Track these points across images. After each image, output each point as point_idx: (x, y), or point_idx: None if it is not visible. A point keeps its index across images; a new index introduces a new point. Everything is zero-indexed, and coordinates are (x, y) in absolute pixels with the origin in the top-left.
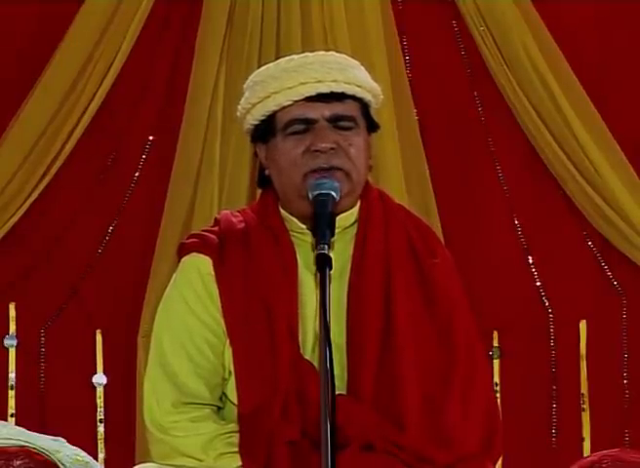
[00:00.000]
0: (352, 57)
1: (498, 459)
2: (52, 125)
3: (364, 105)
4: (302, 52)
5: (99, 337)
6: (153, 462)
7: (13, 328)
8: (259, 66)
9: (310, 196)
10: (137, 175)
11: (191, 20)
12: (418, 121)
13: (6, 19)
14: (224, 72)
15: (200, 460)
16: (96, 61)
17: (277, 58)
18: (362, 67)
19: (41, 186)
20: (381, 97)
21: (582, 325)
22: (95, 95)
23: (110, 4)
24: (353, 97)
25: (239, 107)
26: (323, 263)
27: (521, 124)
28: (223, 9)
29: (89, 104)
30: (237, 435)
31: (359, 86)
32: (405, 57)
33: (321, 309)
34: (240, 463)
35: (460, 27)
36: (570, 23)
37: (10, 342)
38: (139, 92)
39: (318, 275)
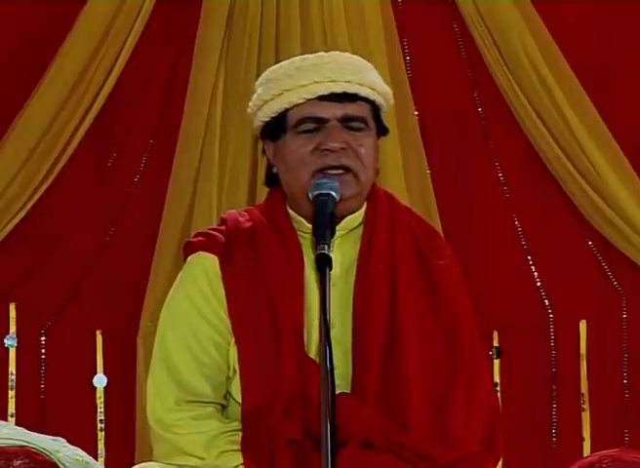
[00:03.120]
0: None
1: (499, 459)
2: (54, 126)
3: (375, 108)
4: (302, 53)
5: (99, 338)
6: (154, 461)
7: (13, 328)
8: (258, 67)
9: (310, 196)
10: (137, 176)
11: (191, 21)
12: (418, 121)
13: (8, 20)
14: (224, 73)
15: (202, 458)
16: (98, 63)
17: (276, 59)
18: (375, 70)
19: (42, 188)
20: (393, 101)
21: (582, 325)
22: (96, 96)
23: (113, 5)
24: (366, 100)
25: (250, 104)
26: (323, 263)
27: (521, 124)
28: (223, 9)
29: (91, 106)
30: (240, 433)
31: (372, 88)
32: (405, 57)
33: (321, 309)
34: (242, 461)
35: (460, 28)
36: (570, 23)
37: (10, 342)
38: (139, 93)
39: (318, 275)
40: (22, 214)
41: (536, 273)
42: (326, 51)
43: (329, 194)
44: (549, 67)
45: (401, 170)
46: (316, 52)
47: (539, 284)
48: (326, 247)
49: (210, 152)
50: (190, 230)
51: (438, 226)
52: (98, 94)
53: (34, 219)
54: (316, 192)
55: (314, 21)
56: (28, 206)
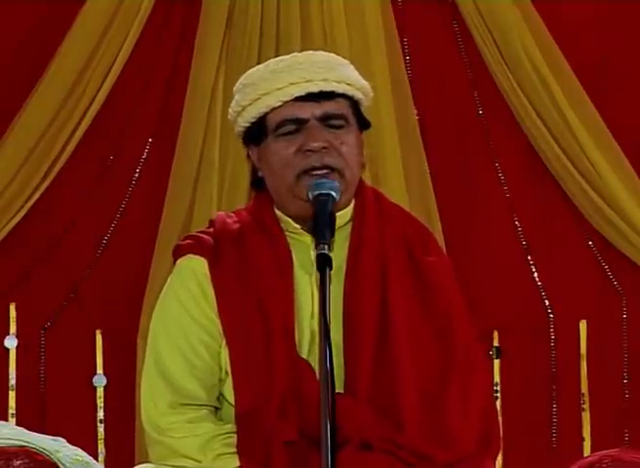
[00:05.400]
0: (352, 57)
1: (496, 457)
2: (53, 126)
3: (354, 103)
4: (302, 52)
5: (99, 338)
6: (152, 463)
7: (13, 328)
8: None
9: (310, 196)
10: (136, 175)
11: (191, 21)
12: (418, 121)
13: (7, 20)
14: (224, 72)
15: (198, 461)
16: (97, 62)
17: None
18: (351, 65)
19: (42, 187)
20: (372, 94)
21: (582, 325)
22: (96, 95)
23: (112, 4)
24: (343, 96)
25: (230, 111)
26: (323, 263)
27: (521, 124)
28: (223, 9)
29: (90, 105)
30: (235, 435)
31: (349, 84)
32: (405, 57)
33: (321, 309)
34: (238, 464)
35: (460, 28)
36: (570, 23)
37: (10, 343)
38: (138, 92)
39: (318, 275)
40: (22, 213)
41: (536, 273)
42: (326, 51)
43: (329, 194)
44: (549, 67)
45: (401, 170)
46: (305, 51)
47: (539, 284)
48: (326, 247)
49: (210, 153)
50: (190, 230)
51: (438, 226)
52: (97, 93)
53: (34, 219)
54: (316, 192)
55: (314, 21)
56: (28, 205)
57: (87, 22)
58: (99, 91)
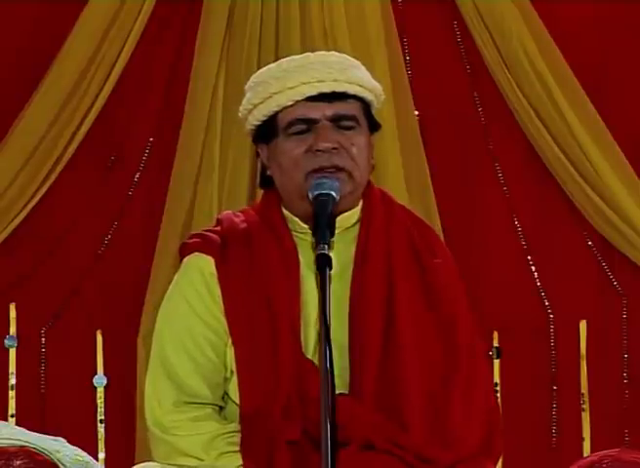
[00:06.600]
0: (352, 57)
1: (498, 459)
2: (54, 127)
3: (365, 105)
4: (302, 52)
5: (99, 338)
6: (154, 462)
7: (13, 328)
8: (258, 67)
9: (310, 196)
10: (137, 176)
11: (191, 22)
12: (418, 121)
13: (8, 20)
14: (224, 73)
15: (201, 460)
16: (98, 64)
17: (276, 59)
18: (363, 67)
19: (43, 188)
20: (383, 96)
21: (582, 325)
22: (97, 97)
23: (113, 5)
24: (355, 97)
25: (240, 108)
26: (323, 263)
27: (521, 124)
28: (223, 10)
29: (91, 106)
30: (238, 434)
31: (361, 85)
32: (405, 57)
33: (321, 309)
34: (241, 462)
35: (460, 28)
36: (570, 23)
37: (10, 343)
38: (139, 94)
39: (318, 275)
40: (24, 214)
41: (536, 273)
42: (327, 51)
43: (329, 194)
44: (549, 67)
45: (401, 170)
46: (318, 51)
47: (539, 284)
48: (326, 247)
49: (210, 153)
50: (191, 230)
51: (438, 226)
52: (98, 94)
53: (35, 220)
54: (316, 192)
55: (314, 22)
56: (29, 206)
57: (88, 24)
58: (100, 91)
